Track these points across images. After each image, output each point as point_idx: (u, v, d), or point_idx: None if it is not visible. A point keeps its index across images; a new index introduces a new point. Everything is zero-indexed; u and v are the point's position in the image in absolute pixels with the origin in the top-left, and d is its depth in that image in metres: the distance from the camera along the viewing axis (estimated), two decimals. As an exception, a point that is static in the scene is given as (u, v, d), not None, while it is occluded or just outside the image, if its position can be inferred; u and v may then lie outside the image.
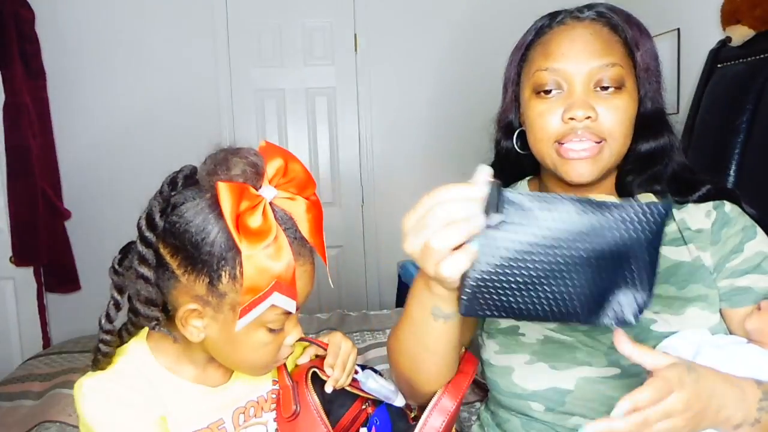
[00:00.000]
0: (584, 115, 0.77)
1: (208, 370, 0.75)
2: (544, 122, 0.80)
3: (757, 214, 0.86)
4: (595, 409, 0.79)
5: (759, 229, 0.84)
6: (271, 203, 0.63)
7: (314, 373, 0.83)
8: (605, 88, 0.78)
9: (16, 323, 2.64)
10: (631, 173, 0.85)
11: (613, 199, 0.58)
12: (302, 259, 0.66)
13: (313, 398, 0.78)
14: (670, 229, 0.86)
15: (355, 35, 2.83)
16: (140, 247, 0.64)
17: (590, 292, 0.57)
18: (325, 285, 3.16)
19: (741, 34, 1.77)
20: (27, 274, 2.53)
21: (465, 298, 0.58)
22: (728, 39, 1.82)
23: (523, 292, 0.57)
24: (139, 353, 0.72)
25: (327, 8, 2.81)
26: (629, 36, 0.82)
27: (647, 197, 0.86)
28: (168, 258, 0.65)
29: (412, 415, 0.87)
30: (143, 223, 0.64)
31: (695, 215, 0.85)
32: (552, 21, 0.84)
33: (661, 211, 0.56)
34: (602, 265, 0.57)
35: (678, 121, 1.99)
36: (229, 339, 0.67)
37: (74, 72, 2.64)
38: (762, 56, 1.69)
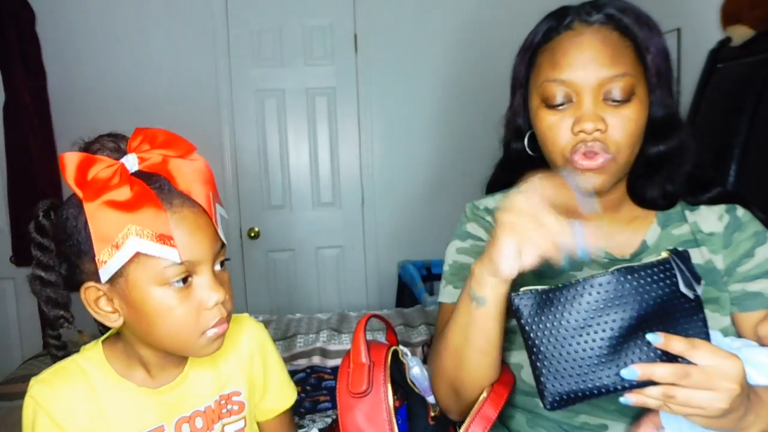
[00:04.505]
0: (594, 127, 0.76)
1: (158, 373, 0.75)
2: (554, 135, 0.80)
3: (765, 218, 0.86)
4: (603, 408, 0.79)
5: None
6: (139, 171, 0.66)
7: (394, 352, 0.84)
8: (616, 96, 0.77)
9: (16, 323, 2.64)
10: (642, 176, 0.85)
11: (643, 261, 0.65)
12: (174, 207, 0.65)
13: (386, 386, 0.79)
14: (683, 231, 0.86)
15: (355, 35, 2.83)
16: (35, 252, 0.69)
17: (655, 352, 0.62)
18: (325, 284, 3.14)
19: (741, 34, 1.76)
20: (27, 274, 2.53)
21: (546, 389, 0.64)
22: (728, 39, 1.82)
23: (600, 368, 0.62)
24: (89, 356, 0.74)
25: (327, 8, 2.80)
26: (640, 38, 0.80)
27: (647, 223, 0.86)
28: (69, 253, 0.68)
29: (432, 414, 0.87)
30: (32, 228, 0.69)
31: (708, 218, 0.85)
32: (559, 24, 0.81)
33: (683, 255, 0.63)
34: (655, 325, 0.62)
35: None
36: (141, 312, 0.66)
37: (74, 72, 2.64)
38: (762, 56, 1.68)
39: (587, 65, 0.77)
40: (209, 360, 0.79)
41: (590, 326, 0.62)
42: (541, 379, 0.64)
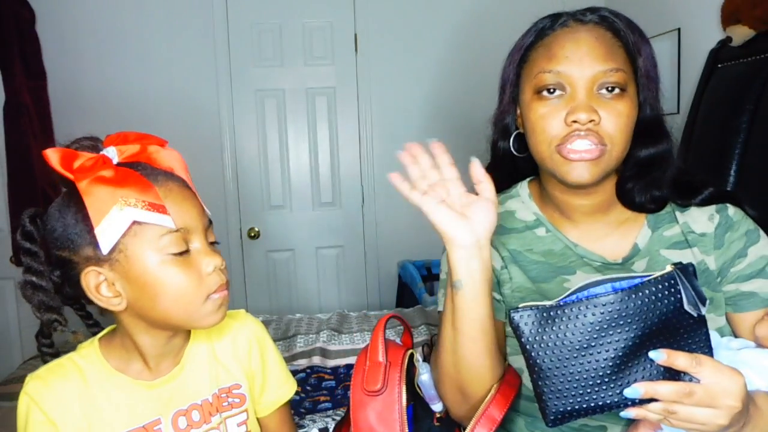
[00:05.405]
0: (587, 118, 0.76)
1: (156, 364, 0.76)
2: (546, 125, 0.80)
3: (757, 216, 0.86)
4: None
5: (762, 233, 0.84)
6: (120, 162, 0.70)
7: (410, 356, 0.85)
8: (610, 90, 0.78)
9: (16, 323, 2.64)
10: (631, 179, 0.85)
11: (642, 274, 0.63)
12: (160, 182, 0.69)
13: (401, 387, 0.80)
14: (674, 232, 0.86)
15: (355, 35, 2.83)
16: (24, 258, 0.71)
17: (657, 369, 0.61)
18: (325, 284, 3.14)
19: (741, 34, 1.77)
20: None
21: (548, 407, 0.63)
22: (728, 39, 1.82)
23: (603, 387, 0.61)
24: (85, 353, 0.76)
25: (327, 8, 2.80)
26: (631, 41, 0.81)
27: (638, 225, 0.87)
28: (62, 254, 0.70)
29: (437, 416, 0.88)
30: (19, 235, 0.71)
31: (698, 219, 0.85)
32: (554, 23, 0.83)
33: (687, 271, 0.62)
34: (659, 341, 0.61)
35: (678, 121, 2.00)
36: (144, 286, 0.68)
37: (74, 72, 2.64)
38: (762, 56, 1.68)
39: (583, 58, 0.78)
40: (206, 353, 0.80)
41: (593, 346, 0.60)
42: (543, 397, 0.63)
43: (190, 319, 0.71)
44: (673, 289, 0.60)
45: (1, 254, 2.51)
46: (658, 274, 0.62)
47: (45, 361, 0.76)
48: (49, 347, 0.77)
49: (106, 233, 0.65)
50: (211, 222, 0.74)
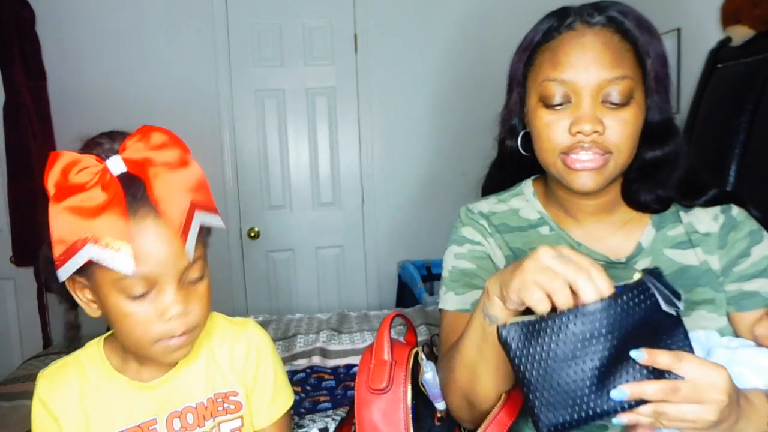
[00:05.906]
0: (592, 129, 0.75)
1: (151, 366, 0.76)
2: (551, 133, 0.79)
3: (761, 216, 0.86)
4: None
5: (765, 233, 0.84)
6: (125, 173, 0.65)
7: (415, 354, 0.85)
8: (615, 99, 0.76)
9: (16, 323, 2.64)
10: (636, 181, 0.85)
11: (620, 283, 0.64)
12: (138, 218, 0.64)
13: (407, 386, 0.79)
14: (678, 232, 0.86)
15: (355, 35, 2.83)
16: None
17: (641, 372, 0.62)
18: (325, 284, 3.14)
19: (741, 34, 1.77)
20: (27, 274, 2.53)
21: (541, 420, 0.63)
22: (728, 39, 1.82)
23: (592, 396, 0.62)
24: (90, 351, 0.78)
25: (327, 8, 2.81)
26: (640, 43, 0.79)
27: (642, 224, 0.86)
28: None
29: (438, 415, 0.88)
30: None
31: (703, 219, 0.85)
32: (561, 24, 0.81)
33: (656, 273, 0.63)
34: (640, 344, 0.62)
35: (678, 121, 2.00)
36: (104, 310, 0.69)
37: (74, 72, 2.64)
38: (762, 56, 1.68)
39: (588, 66, 0.77)
40: (205, 357, 0.80)
41: (578, 356, 0.62)
42: (535, 410, 0.63)
43: (143, 354, 0.72)
44: (647, 293, 0.62)
45: (1, 254, 2.51)
46: (630, 281, 0.63)
47: (72, 348, 0.78)
48: (76, 337, 0.78)
49: (63, 265, 0.62)
50: (198, 259, 0.69)
